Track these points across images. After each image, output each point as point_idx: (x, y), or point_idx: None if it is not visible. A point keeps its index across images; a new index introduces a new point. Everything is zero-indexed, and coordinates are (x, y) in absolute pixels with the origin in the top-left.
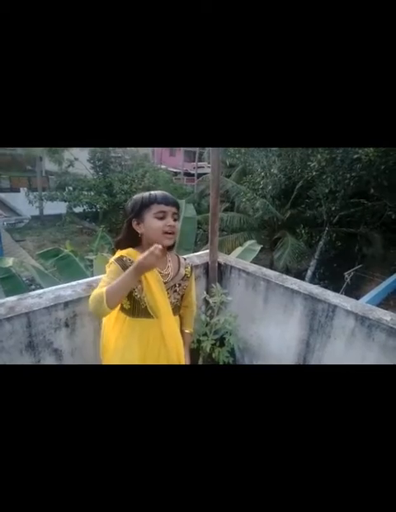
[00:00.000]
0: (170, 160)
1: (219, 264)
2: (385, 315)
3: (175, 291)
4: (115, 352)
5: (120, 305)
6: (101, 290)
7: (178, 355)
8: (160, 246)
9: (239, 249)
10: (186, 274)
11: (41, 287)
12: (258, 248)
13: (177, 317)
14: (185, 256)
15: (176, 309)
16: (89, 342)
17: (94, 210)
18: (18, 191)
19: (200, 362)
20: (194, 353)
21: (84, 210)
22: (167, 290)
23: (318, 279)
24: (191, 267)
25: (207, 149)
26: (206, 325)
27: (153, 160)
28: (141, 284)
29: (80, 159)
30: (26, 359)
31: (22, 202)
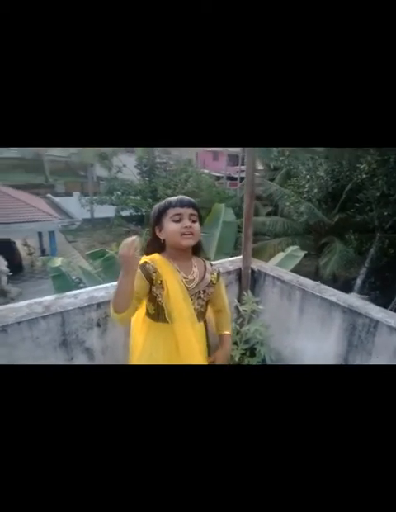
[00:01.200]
0: (213, 164)
1: (253, 271)
2: None
3: (199, 297)
4: (142, 355)
5: (145, 310)
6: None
7: (197, 361)
8: (135, 236)
9: (281, 255)
10: (211, 280)
11: (86, 286)
12: (301, 254)
13: (202, 324)
14: (217, 261)
15: (201, 315)
16: (120, 342)
17: (139, 213)
18: (71, 195)
19: None
20: None
21: (130, 213)
22: (191, 296)
23: (369, 289)
24: (218, 273)
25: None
26: (237, 334)
27: (196, 165)
28: (165, 290)
29: (128, 166)
30: (60, 356)
31: (75, 206)
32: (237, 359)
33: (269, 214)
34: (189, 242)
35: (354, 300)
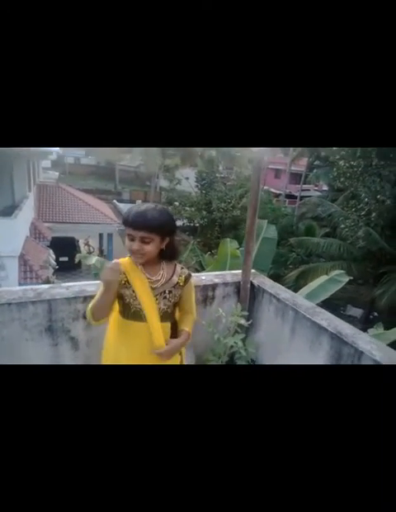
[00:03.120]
0: (274, 182)
1: (253, 286)
2: None
3: (165, 297)
4: (109, 350)
5: (117, 307)
6: (91, 305)
7: (160, 360)
8: (117, 261)
9: (323, 278)
10: (178, 282)
11: None
12: (345, 279)
13: (168, 324)
14: (219, 273)
15: (166, 315)
16: (104, 336)
17: (192, 224)
18: (134, 202)
19: None
20: None
21: (183, 223)
22: (156, 296)
23: None
24: (186, 277)
25: (314, 171)
26: (218, 342)
27: None
28: (130, 290)
29: (191, 178)
30: (45, 340)
31: None
32: None
33: (328, 235)
34: (138, 260)
35: (346, 326)
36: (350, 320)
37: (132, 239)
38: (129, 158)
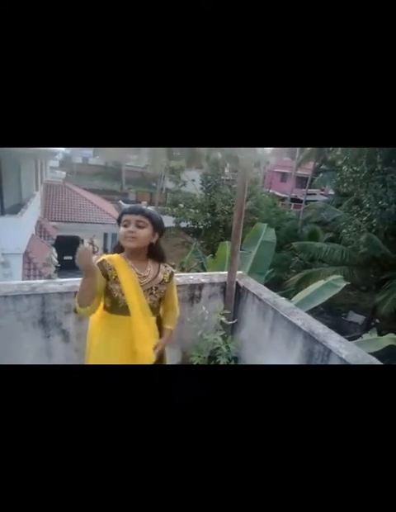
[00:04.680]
0: (280, 185)
1: (238, 286)
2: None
3: (151, 293)
4: (99, 343)
5: (103, 304)
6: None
7: (146, 352)
8: (86, 243)
9: (320, 282)
10: (163, 279)
11: None
12: (342, 284)
13: (154, 318)
14: (206, 274)
15: (153, 310)
16: None
17: (196, 226)
18: (139, 203)
19: None
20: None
21: (187, 225)
22: (144, 291)
23: None
24: (171, 274)
25: (320, 175)
26: (201, 339)
27: (262, 184)
28: (119, 285)
29: (196, 180)
30: (38, 332)
31: None
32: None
33: (332, 240)
34: (130, 244)
35: (320, 327)
36: (351, 326)
37: (127, 225)
38: (136, 159)
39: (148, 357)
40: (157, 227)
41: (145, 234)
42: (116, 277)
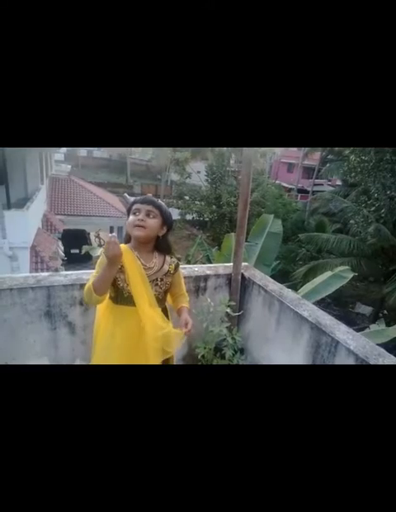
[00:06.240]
0: (286, 176)
1: (244, 278)
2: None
3: (157, 284)
4: (104, 334)
5: (108, 294)
6: (90, 282)
7: (155, 341)
8: (111, 236)
9: (327, 274)
10: (169, 270)
11: None
12: (349, 275)
13: (159, 309)
14: (212, 265)
15: (159, 301)
16: None
17: (201, 218)
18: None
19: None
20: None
21: (193, 217)
22: (149, 282)
23: None
24: (176, 265)
25: (327, 165)
26: (207, 331)
27: (268, 175)
28: (124, 275)
29: (202, 172)
30: (44, 324)
31: None
32: (199, 357)
33: (339, 231)
34: (138, 233)
35: (327, 318)
36: (359, 317)
37: (136, 214)
38: (141, 152)
39: (157, 348)
40: (167, 220)
41: (154, 224)
42: (122, 266)
